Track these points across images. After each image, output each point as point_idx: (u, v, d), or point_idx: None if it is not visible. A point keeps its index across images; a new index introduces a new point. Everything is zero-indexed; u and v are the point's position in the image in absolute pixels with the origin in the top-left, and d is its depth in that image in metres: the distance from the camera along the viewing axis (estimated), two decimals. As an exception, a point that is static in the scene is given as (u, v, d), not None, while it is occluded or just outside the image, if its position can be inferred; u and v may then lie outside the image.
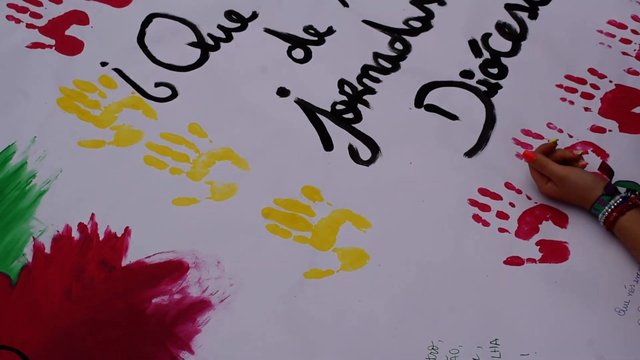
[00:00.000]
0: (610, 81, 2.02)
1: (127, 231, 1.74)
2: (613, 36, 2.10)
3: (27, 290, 1.65)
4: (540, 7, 2.13)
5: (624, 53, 2.07)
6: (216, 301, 1.67)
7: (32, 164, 1.83)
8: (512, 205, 1.84)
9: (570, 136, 1.94)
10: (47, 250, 1.71)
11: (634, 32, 2.08)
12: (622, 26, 2.10)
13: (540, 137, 1.92)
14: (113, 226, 1.75)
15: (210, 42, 2.05)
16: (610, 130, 1.96)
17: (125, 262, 1.71)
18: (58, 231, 1.74)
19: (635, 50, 2.06)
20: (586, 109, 1.99)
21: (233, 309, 1.66)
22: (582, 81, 2.02)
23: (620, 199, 1.72)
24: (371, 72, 2.00)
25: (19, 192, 1.79)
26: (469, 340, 1.63)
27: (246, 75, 2.01)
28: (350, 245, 1.76)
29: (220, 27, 2.07)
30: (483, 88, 2.00)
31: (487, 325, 1.66)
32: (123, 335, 1.61)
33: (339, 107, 1.96)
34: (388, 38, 2.06)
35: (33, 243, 1.72)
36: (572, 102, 1.99)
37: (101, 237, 1.73)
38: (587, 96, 2.00)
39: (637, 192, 1.74)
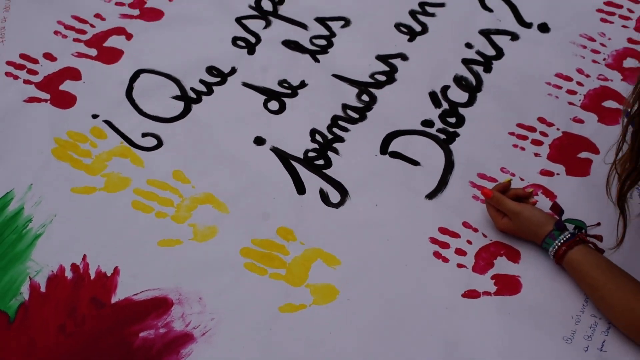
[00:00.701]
0: (558, 129, 2.05)
1: (116, 270, 1.75)
2: (560, 88, 2.11)
3: (24, 327, 1.66)
4: (494, 62, 2.14)
5: (570, 103, 2.09)
6: (198, 334, 1.68)
7: (28, 209, 1.84)
8: (469, 242, 1.86)
9: (522, 179, 1.96)
10: (43, 289, 1.72)
11: (579, 84, 2.10)
12: (568, 78, 2.12)
13: (494, 180, 1.94)
14: (103, 266, 1.76)
15: (193, 95, 2.06)
16: (557, 174, 1.98)
17: (114, 300, 1.72)
18: (52, 271, 1.75)
19: (580, 100, 2.09)
20: (536, 155, 2.00)
21: (214, 342, 1.67)
22: (532, 129, 2.04)
23: (569, 235, 1.75)
24: (340, 122, 2.01)
25: (17, 236, 1.79)
26: (432, 366, 1.62)
27: (226, 126, 2.02)
28: (322, 282, 1.78)
29: (202, 81, 2.08)
30: (442, 136, 2.01)
31: (447, 355, 1.67)
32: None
33: (311, 154, 1.97)
34: (355, 90, 2.07)
35: (29, 283, 1.73)
36: (523, 148, 2.00)
37: (92, 276, 1.74)
38: (537, 143, 2.01)
39: (583, 230, 1.74)
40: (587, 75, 2.16)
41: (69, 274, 1.74)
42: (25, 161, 1.92)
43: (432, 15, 2.24)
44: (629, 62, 2.12)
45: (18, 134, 1.97)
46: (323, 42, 2.18)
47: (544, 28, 2.24)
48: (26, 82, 2.05)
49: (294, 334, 1.69)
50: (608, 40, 2.20)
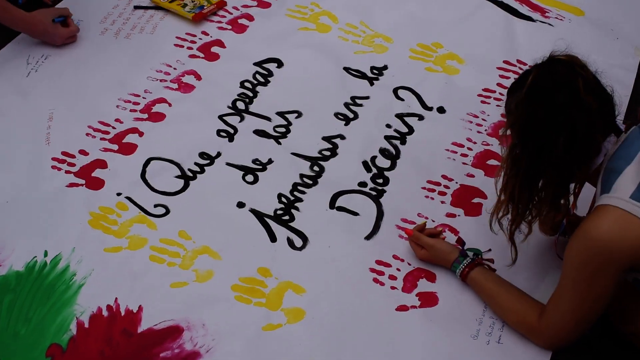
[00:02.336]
0: (456, 182, 2.07)
1: (140, 308, 1.76)
2: (455, 152, 2.14)
3: (74, 355, 1.66)
4: (407, 136, 2.18)
5: (464, 163, 2.12)
6: (204, 352, 1.68)
7: (73, 266, 1.84)
8: (398, 270, 1.87)
9: (433, 221, 1.98)
10: (86, 325, 1.72)
11: (469, 149, 2.14)
12: (461, 145, 2.16)
13: (413, 222, 1.95)
14: (130, 305, 1.76)
15: (190, 174, 2.07)
16: (458, 215, 2.00)
17: (140, 329, 1.72)
18: (93, 311, 1.74)
19: (470, 160, 2.12)
20: (442, 202, 2.03)
21: (215, 356, 1.67)
22: (438, 184, 2.07)
23: (470, 260, 1.77)
24: (299, 187, 2.03)
25: (65, 286, 1.79)
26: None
27: (215, 195, 2.02)
28: (293, 306, 1.79)
29: (196, 163, 2.09)
30: (373, 193, 2.04)
31: (388, 354, 1.69)
32: (141, 380, 1.58)
33: (279, 212, 1.98)
34: (309, 164, 2.09)
35: (76, 321, 1.72)
36: (432, 198, 2.03)
37: (122, 313, 1.75)
38: (442, 193, 2.04)
39: (480, 255, 1.76)
40: (474, 142, 2.19)
41: (105, 312, 1.74)
42: (69, 231, 1.91)
43: (361, 105, 2.26)
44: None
45: (63, 211, 1.96)
46: (283, 129, 2.19)
47: (441, 110, 2.27)
48: (67, 172, 2.05)
49: (274, 346, 1.69)
50: (487, 116, 2.23)
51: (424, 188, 2.07)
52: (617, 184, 1.46)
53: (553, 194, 1.52)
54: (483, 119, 2.25)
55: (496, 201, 1.61)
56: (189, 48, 2.45)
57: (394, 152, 2.17)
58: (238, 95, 2.30)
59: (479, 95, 2.35)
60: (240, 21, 2.54)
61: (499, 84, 2.39)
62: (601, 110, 1.46)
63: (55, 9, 2.41)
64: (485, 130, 2.19)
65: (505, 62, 2.47)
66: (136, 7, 2.55)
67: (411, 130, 2.24)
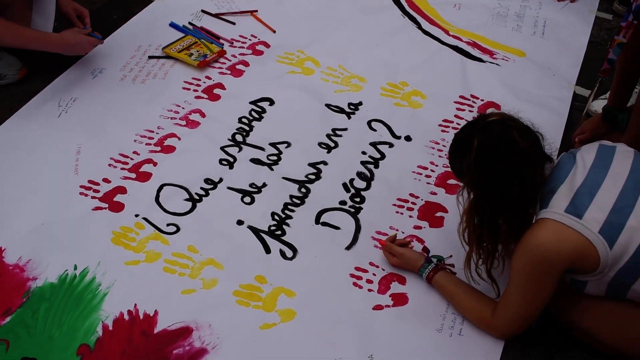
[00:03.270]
0: (422, 199, 2.09)
1: (156, 312, 1.76)
2: (421, 174, 2.17)
3: (101, 354, 1.66)
4: (380, 161, 2.20)
5: (428, 183, 2.15)
6: (210, 348, 1.69)
7: (98, 278, 1.84)
8: (374, 275, 1.88)
9: (403, 232, 1.99)
10: (110, 328, 1.72)
11: (432, 170, 2.16)
12: (425, 168, 2.19)
13: (386, 234, 1.97)
14: (147, 310, 1.76)
15: (197, 197, 2.06)
16: (424, 227, 2.02)
17: (156, 331, 1.72)
18: (116, 316, 1.75)
19: (434, 180, 2.15)
20: (410, 216, 2.04)
21: (220, 352, 1.68)
22: (406, 201, 2.09)
23: (434, 265, 1.78)
24: (289, 206, 2.05)
25: (92, 295, 1.79)
26: (356, 356, 1.68)
27: (218, 215, 2.03)
28: (285, 307, 1.79)
29: (202, 188, 2.10)
30: (352, 210, 2.04)
31: (366, 346, 1.70)
32: (157, 374, 1.58)
33: (272, 228, 1.99)
34: (297, 186, 2.10)
35: (102, 324, 1.72)
36: (402, 213, 2.04)
37: (141, 317, 1.75)
38: (410, 209, 2.06)
39: (442, 261, 1.77)
40: (436, 165, 2.21)
41: (126, 316, 1.74)
42: (94, 247, 1.91)
43: (340, 136, 2.28)
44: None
45: (89, 231, 1.96)
46: (275, 157, 2.20)
47: (408, 138, 2.28)
48: (93, 197, 2.05)
49: (270, 343, 1.70)
50: (447, 142, 2.23)
51: (394, 205, 2.08)
52: (553, 200, 1.48)
53: (515, 228, 1.53)
54: (443, 145, 2.26)
55: (467, 254, 1.61)
56: (195, 90, 2.46)
57: (369, 175, 2.18)
58: (236, 129, 2.31)
59: (440, 125, 2.37)
60: (238, 67, 2.55)
61: (456, 115, 2.41)
62: (537, 149, 1.48)
63: (76, 28, 2.42)
64: (445, 154, 2.18)
65: (461, 96, 2.49)
66: (150, 57, 2.56)
67: (383, 156, 2.25)
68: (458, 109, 2.41)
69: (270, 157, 2.22)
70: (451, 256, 1.89)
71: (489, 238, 1.55)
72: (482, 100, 2.43)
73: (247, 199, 2.07)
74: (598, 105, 2.25)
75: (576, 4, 2.99)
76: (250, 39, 2.69)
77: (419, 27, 2.79)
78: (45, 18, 2.42)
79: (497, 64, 2.61)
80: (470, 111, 2.39)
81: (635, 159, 1.56)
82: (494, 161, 1.47)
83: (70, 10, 2.45)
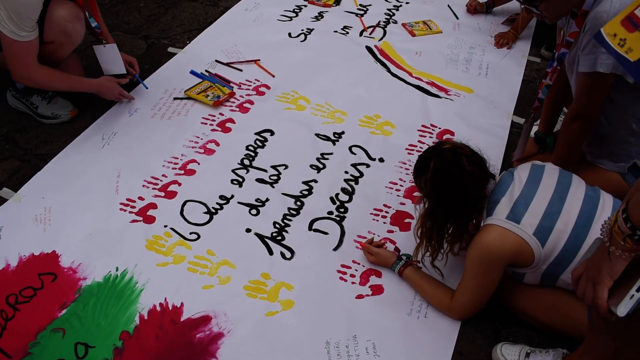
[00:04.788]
0: (393, 208, 2.10)
1: (182, 304, 1.76)
2: (392, 188, 2.18)
3: (139, 339, 1.67)
4: (359, 179, 2.20)
5: (398, 195, 2.15)
6: (226, 332, 1.69)
7: (135, 277, 1.84)
8: (356, 270, 1.89)
9: (379, 236, 2.00)
10: (146, 317, 1.73)
11: (401, 185, 2.16)
12: (396, 183, 2.20)
13: (365, 237, 1.97)
14: (175, 303, 1.77)
15: (213, 210, 2.07)
16: (395, 231, 2.02)
17: (182, 319, 1.72)
18: (150, 308, 1.75)
19: (402, 193, 2.15)
20: (384, 222, 2.05)
21: (234, 336, 1.69)
22: (381, 210, 2.10)
23: (404, 261, 1.79)
24: (287, 217, 2.05)
25: (131, 291, 1.80)
26: (344, 336, 1.68)
27: (231, 224, 2.03)
28: (286, 298, 1.80)
29: (217, 203, 2.10)
30: (338, 218, 2.05)
31: (351, 328, 1.71)
32: (184, 354, 1.63)
33: (274, 234, 1.99)
34: (293, 200, 2.10)
35: (139, 314, 1.73)
36: (377, 220, 2.05)
37: (170, 308, 1.75)
38: (384, 217, 2.07)
39: (410, 258, 1.77)
40: (404, 181, 2.21)
41: (158, 308, 1.75)
42: (132, 252, 1.91)
43: (327, 159, 2.28)
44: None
45: (127, 239, 1.96)
46: (275, 177, 2.20)
47: (381, 160, 2.30)
48: (130, 212, 2.05)
49: (274, 327, 1.71)
50: (412, 163, 2.22)
51: (371, 213, 2.09)
52: (497, 210, 1.49)
53: (459, 233, 1.55)
54: (409, 165, 2.28)
55: (416, 246, 1.64)
56: (211, 124, 2.47)
57: (351, 190, 2.18)
58: (244, 155, 2.32)
59: (406, 149, 2.38)
60: (245, 105, 2.56)
61: (419, 141, 2.42)
62: (481, 171, 1.50)
63: (112, 77, 2.43)
64: (411, 173, 2.14)
65: (423, 125, 2.50)
66: (175, 98, 2.57)
67: (362, 174, 2.26)
68: (421, 135, 2.42)
69: (272, 177, 2.22)
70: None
71: (437, 238, 1.56)
72: (439, 128, 2.44)
73: (254, 211, 2.07)
74: (531, 131, 2.26)
75: (512, 50, 3.00)
76: (254, 82, 2.69)
77: (388, 70, 2.79)
78: (113, 64, 2.46)
79: (451, 99, 2.62)
80: (430, 137, 2.40)
81: (560, 175, 1.58)
82: (445, 180, 1.49)
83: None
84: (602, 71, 1.59)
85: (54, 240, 1.93)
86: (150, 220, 2.03)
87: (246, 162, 2.29)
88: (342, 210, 2.08)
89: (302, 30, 3.11)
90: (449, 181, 1.50)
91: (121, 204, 2.09)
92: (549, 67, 1.93)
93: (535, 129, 2.21)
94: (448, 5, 3.41)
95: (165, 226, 1.99)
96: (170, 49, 2.95)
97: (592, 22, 1.58)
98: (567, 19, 1.79)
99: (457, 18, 3.30)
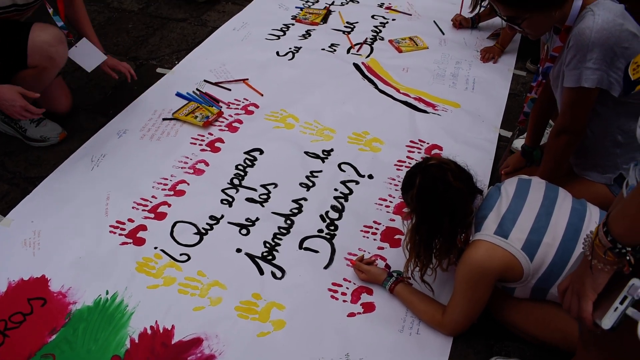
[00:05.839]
0: (383, 225, 2.11)
1: (173, 327, 1.75)
2: (381, 204, 2.18)
3: (127, 364, 1.60)
4: (349, 196, 2.22)
5: (387, 212, 2.16)
6: (217, 354, 1.68)
7: (126, 300, 1.83)
8: (347, 288, 1.89)
9: (369, 252, 2.00)
10: (137, 341, 1.71)
11: (390, 201, 2.17)
12: (385, 200, 2.22)
13: (355, 254, 1.97)
14: (166, 325, 1.76)
15: (203, 231, 2.06)
16: (385, 248, 2.03)
17: (173, 342, 1.71)
18: (141, 331, 1.74)
19: (392, 210, 2.15)
20: (374, 239, 2.05)
21: (226, 357, 1.68)
22: (371, 227, 2.10)
23: (395, 278, 1.78)
24: (278, 236, 2.04)
25: (121, 314, 1.78)
26: (336, 355, 1.68)
27: (221, 245, 2.02)
28: (277, 318, 1.79)
29: (207, 224, 2.10)
30: (328, 236, 2.05)
31: (343, 347, 1.70)
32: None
33: (265, 253, 1.99)
34: (283, 219, 2.10)
35: (129, 338, 1.71)
36: (367, 237, 2.05)
37: (161, 331, 1.74)
38: (374, 233, 2.07)
39: (401, 275, 1.77)
40: (393, 197, 2.23)
41: (149, 331, 1.74)
42: (122, 275, 1.90)
43: (317, 177, 2.29)
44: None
45: (118, 262, 1.95)
46: (265, 196, 2.20)
47: (370, 176, 2.30)
48: (120, 234, 2.05)
49: (266, 348, 1.70)
50: (401, 179, 2.15)
51: (361, 230, 2.09)
52: (484, 225, 1.50)
53: (446, 248, 1.55)
54: (398, 181, 2.27)
55: (406, 261, 1.62)
56: (200, 144, 2.48)
57: (341, 207, 2.19)
58: (234, 174, 2.32)
59: (395, 165, 2.39)
60: (234, 124, 2.57)
61: (407, 156, 2.43)
62: (467, 187, 1.51)
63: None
64: (400, 189, 2.16)
65: (411, 141, 2.52)
66: (164, 119, 2.58)
67: (351, 191, 2.27)
68: (409, 151, 2.43)
69: (262, 196, 2.22)
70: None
71: (425, 254, 1.57)
72: (427, 143, 2.46)
73: (244, 231, 2.07)
74: (518, 144, 2.28)
75: (498, 64, 3.05)
76: (243, 102, 2.70)
77: (376, 87, 2.82)
78: (90, 57, 2.38)
79: (438, 114, 2.64)
80: (419, 152, 2.41)
81: (547, 189, 1.59)
82: (431, 196, 1.50)
83: (106, 67, 2.47)
84: (586, 86, 1.61)
85: (44, 264, 1.92)
86: (140, 242, 2.02)
87: (236, 181, 2.29)
88: (332, 228, 2.09)
89: (290, 48, 3.12)
90: (435, 197, 1.51)
91: (111, 226, 2.08)
92: (534, 81, 1.95)
93: (522, 142, 2.23)
94: (434, 21, 3.44)
95: (156, 248, 1.98)
96: (159, 70, 2.96)
97: (576, 38, 1.60)
98: (550, 34, 1.82)
99: (443, 33, 3.32)
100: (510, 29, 1.73)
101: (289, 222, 2.09)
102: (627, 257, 0.95)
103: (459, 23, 3.36)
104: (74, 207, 2.15)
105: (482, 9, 3.27)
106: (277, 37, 3.24)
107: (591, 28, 1.56)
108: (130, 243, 2.02)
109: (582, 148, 1.86)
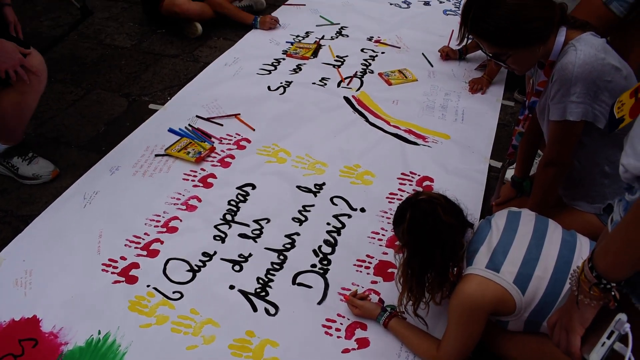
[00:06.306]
0: (376, 259, 2.11)
1: (165, 367, 1.69)
2: (374, 238, 2.19)
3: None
4: (341, 230, 2.23)
5: (380, 245, 2.15)
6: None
7: (118, 340, 1.82)
8: (341, 324, 1.89)
9: (362, 287, 1.99)
10: (128, 382, 1.64)
11: (383, 235, 2.17)
12: (378, 233, 2.22)
13: (349, 289, 1.97)
14: (159, 366, 1.68)
15: (196, 268, 2.06)
16: (379, 282, 2.03)
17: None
18: (133, 372, 1.67)
19: (384, 243, 2.16)
20: (367, 273, 2.05)
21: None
22: (364, 261, 2.10)
23: (389, 313, 1.78)
24: (271, 271, 2.05)
25: (114, 355, 1.78)
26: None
27: (214, 282, 2.02)
28: (271, 356, 1.78)
29: (200, 260, 2.09)
30: (321, 271, 2.05)
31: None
32: None
33: (258, 290, 1.99)
34: (276, 254, 2.11)
35: (122, 379, 1.64)
36: (360, 271, 2.05)
37: (153, 372, 1.67)
38: (367, 267, 2.08)
39: (395, 309, 1.77)
40: (386, 230, 2.23)
41: (141, 372, 1.66)
42: (114, 315, 1.89)
43: (309, 211, 2.30)
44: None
45: (110, 301, 1.94)
46: (258, 232, 2.21)
47: (362, 210, 2.31)
48: (112, 273, 2.04)
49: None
50: (393, 211, 2.16)
51: (354, 264, 2.09)
52: (476, 259, 1.51)
53: (438, 282, 1.56)
54: (390, 214, 2.28)
55: (399, 295, 1.63)
56: (192, 180, 2.48)
57: (333, 242, 2.19)
58: (226, 210, 2.32)
59: (387, 197, 2.40)
60: (226, 159, 2.58)
61: (399, 189, 2.44)
62: (458, 221, 1.52)
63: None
64: (392, 223, 2.17)
65: (402, 173, 2.54)
66: (156, 155, 2.58)
67: (344, 225, 2.27)
68: (400, 183, 2.45)
69: (254, 232, 2.22)
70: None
71: (417, 288, 1.57)
72: (418, 175, 2.48)
73: (237, 267, 2.07)
74: (509, 174, 2.31)
75: (486, 95, 3.10)
76: (235, 137, 2.72)
77: (366, 120, 2.85)
78: None
79: (429, 146, 2.67)
80: (410, 185, 2.43)
81: (537, 221, 1.61)
82: (421, 230, 1.51)
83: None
84: (571, 119, 1.64)
85: (35, 304, 1.91)
86: (132, 280, 2.02)
87: (228, 217, 2.29)
88: (325, 262, 2.09)
89: (281, 83, 3.16)
90: (425, 231, 1.52)
91: (103, 264, 2.07)
92: (521, 114, 1.99)
93: (511, 172, 2.25)
94: (422, 54, 3.50)
95: (148, 286, 1.98)
96: (152, 106, 2.98)
97: (559, 72, 1.64)
98: (535, 69, 1.86)
99: (432, 66, 3.38)
100: (496, 65, 1.77)
101: (282, 257, 2.09)
102: (612, 293, 0.96)
103: (446, 54, 3.42)
104: (66, 246, 2.15)
105: (470, 41, 3.31)
106: (268, 72, 3.28)
107: (574, 63, 1.59)
108: (122, 281, 2.01)
109: (570, 179, 1.88)
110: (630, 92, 1.14)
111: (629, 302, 0.99)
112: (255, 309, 1.88)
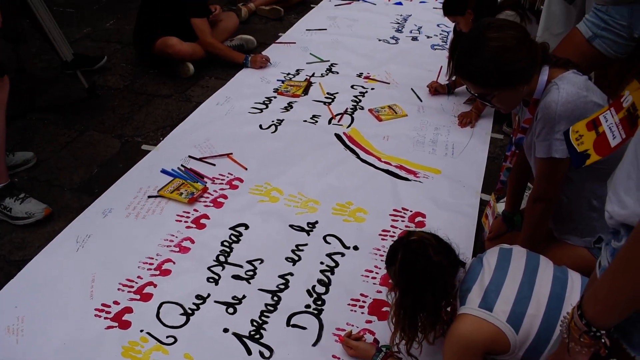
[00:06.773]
0: (370, 297, 2.11)
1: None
2: (368, 276, 2.19)
3: None
4: (335, 269, 2.23)
5: (374, 283, 2.16)
6: None
7: (111, 388, 1.75)
8: (336, 365, 1.82)
9: (357, 327, 1.99)
10: None
11: (377, 272, 2.16)
12: (371, 271, 2.22)
13: (343, 330, 1.97)
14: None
15: (190, 311, 2.05)
16: (374, 321, 2.02)
17: None
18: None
19: (378, 281, 2.15)
20: (362, 313, 2.04)
21: None
22: (358, 300, 2.10)
23: (384, 353, 1.77)
24: (265, 313, 2.04)
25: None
26: None
27: (208, 325, 2.01)
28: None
29: (194, 303, 2.09)
30: (315, 312, 2.05)
31: None
32: None
33: (252, 332, 1.98)
34: (270, 295, 2.11)
35: None
36: (355, 311, 2.05)
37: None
38: (362, 306, 2.08)
39: (390, 349, 1.76)
40: (380, 268, 2.23)
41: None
42: (108, 361, 1.82)
43: (302, 250, 2.33)
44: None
45: (103, 347, 1.93)
46: (251, 273, 2.22)
47: (355, 248, 2.31)
48: (105, 318, 2.03)
49: None
50: (386, 249, 2.19)
51: (349, 304, 2.09)
52: (469, 298, 1.52)
53: (431, 322, 1.57)
54: (384, 252, 2.28)
55: (391, 335, 1.63)
56: (185, 221, 2.48)
57: (327, 281, 2.19)
58: (219, 251, 2.31)
59: (380, 234, 2.41)
60: (219, 200, 2.59)
61: (392, 226, 2.46)
62: (449, 261, 1.53)
63: None
64: (385, 260, 2.18)
65: (395, 210, 2.55)
66: (149, 197, 2.58)
67: (337, 264, 2.27)
68: (393, 220, 2.46)
69: (248, 273, 2.21)
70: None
71: (410, 328, 1.58)
72: (410, 211, 2.49)
73: (231, 310, 2.06)
74: (500, 207, 2.32)
75: (475, 129, 3.14)
76: (227, 176, 2.74)
77: (358, 156, 2.88)
78: None
79: (420, 182, 2.70)
80: (402, 221, 2.44)
81: (528, 257, 1.62)
82: (413, 271, 1.53)
83: None
84: (557, 156, 1.67)
85: (27, 352, 1.89)
86: (125, 325, 2.00)
87: (222, 258, 2.29)
88: (319, 302, 2.08)
89: (273, 121, 3.19)
90: (416, 272, 1.54)
91: (96, 309, 2.06)
92: (508, 150, 2.02)
93: (502, 206, 2.27)
94: (411, 89, 3.55)
95: (142, 331, 1.97)
96: (144, 147, 3.01)
97: (543, 111, 1.68)
98: (520, 106, 1.90)
99: (421, 100, 3.43)
100: (482, 104, 1.81)
101: (275, 298, 2.08)
102: (603, 340, 0.96)
103: (435, 89, 3.47)
104: (59, 291, 2.14)
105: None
106: (259, 110, 3.32)
107: (556, 101, 1.63)
108: (115, 327, 2.00)
109: (559, 214, 1.90)
110: (586, 122, 1.16)
111: (620, 347, 1.00)
112: (250, 352, 1.86)
